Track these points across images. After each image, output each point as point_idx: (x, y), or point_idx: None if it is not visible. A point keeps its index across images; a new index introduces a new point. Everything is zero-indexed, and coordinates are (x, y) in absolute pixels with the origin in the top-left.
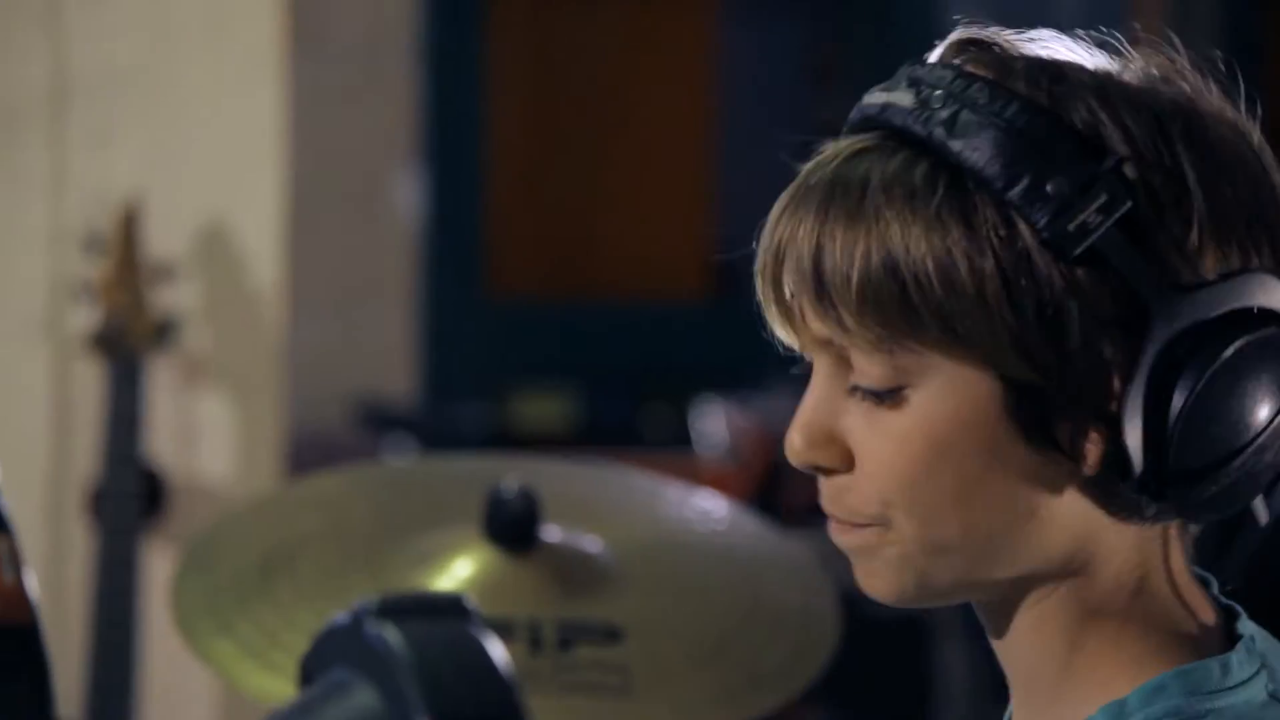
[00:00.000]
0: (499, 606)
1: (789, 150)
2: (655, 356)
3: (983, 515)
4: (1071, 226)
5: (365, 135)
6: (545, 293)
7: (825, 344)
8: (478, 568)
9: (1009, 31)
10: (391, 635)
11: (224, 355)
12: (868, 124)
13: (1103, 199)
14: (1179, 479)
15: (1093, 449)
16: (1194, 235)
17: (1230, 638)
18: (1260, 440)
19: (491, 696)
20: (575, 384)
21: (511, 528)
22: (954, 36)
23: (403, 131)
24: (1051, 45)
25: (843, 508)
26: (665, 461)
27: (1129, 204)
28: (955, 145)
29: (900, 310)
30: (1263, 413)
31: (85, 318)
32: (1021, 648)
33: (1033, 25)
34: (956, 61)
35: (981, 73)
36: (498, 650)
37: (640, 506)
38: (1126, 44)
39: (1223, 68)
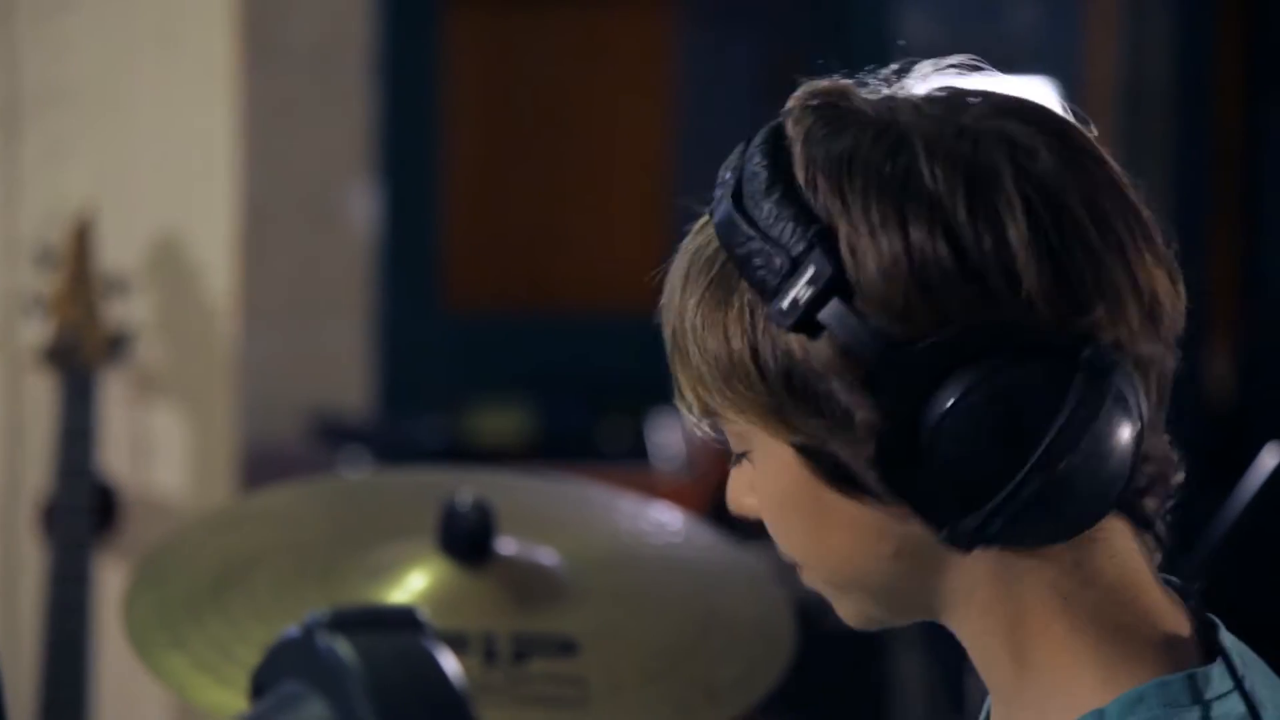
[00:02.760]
0: (454, 619)
1: None
2: (611, 369)
3: (844, 559)
4: (785, 304)
5: (320, 147)
6: (501, 305)
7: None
8: (432, 581)
9: (851, 80)
10: (343, 648)
11: (177, 369)
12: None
13: (810, 272)
14: (958, 514)
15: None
16: (901, 295)
17: (1209, 650)
18: (1039, 461)
19: (443, 709)
20: (531, 397)
21: (466, 541)
22: (796, 96)
23: (358, 143)
24: (841, 112)
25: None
26: (621, 474)
27: (831, 272)
28: (718, 228)
29: (705, 387)
30: (1027, 441)
31: (37, 331)
32: (977, 657)
33: (986, 40)
34: (778, 122)
35: (775, 138)
36: (450, 663)
37: (596, 519)
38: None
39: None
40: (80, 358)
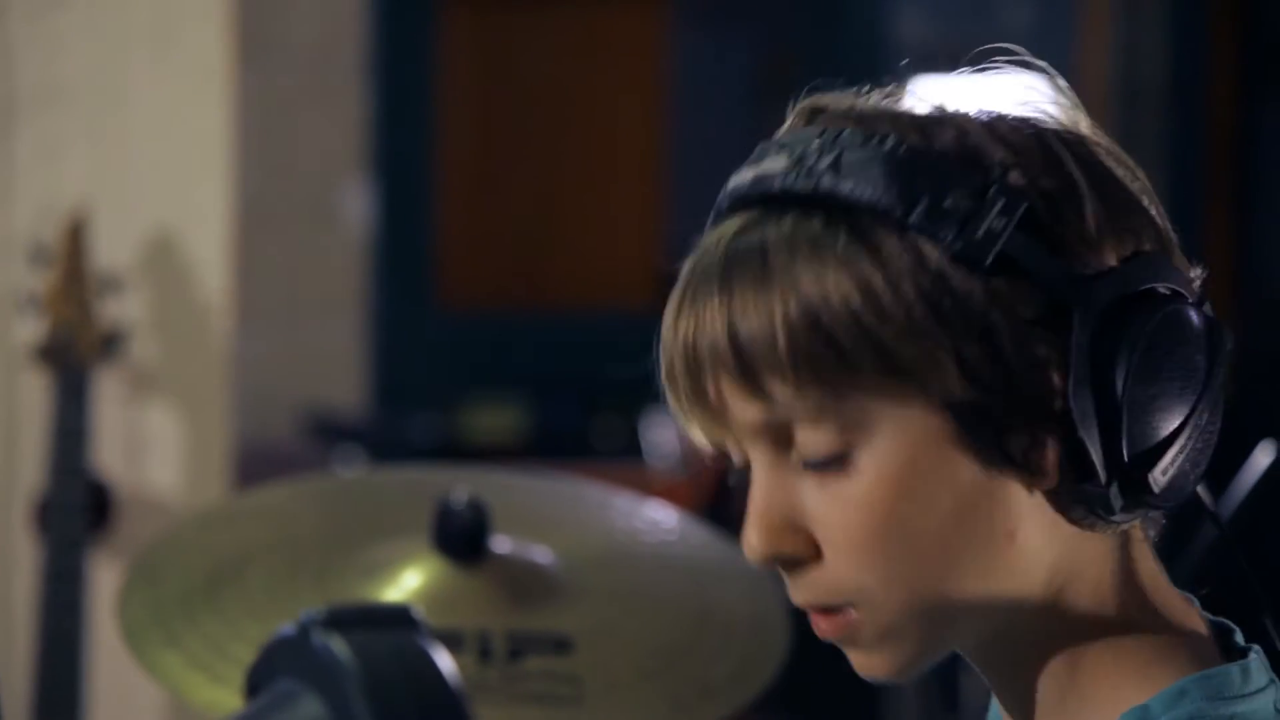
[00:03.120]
0: (448, 617)
1: (740, 159)
2: (605, 367)
3: (959, 556)
4: (978, 236)
5: (315, 145)
6: (495, 303)
7: (760, 430)
8: (427, 579)
9: (852, 92)
10: (338, 646)
11: (171, 367)
12: (741, 203)
13: (1000, 204)
14: (1136, 462)
15: (1049, 455)
16: (1090, 226)
17: (1227, 648)
18: (1199, 411)
19: (439, 707)
20: (525, 395)
21: (461, 539)
22: (801, 106)
23: (353, 141)
24: (905, 94)
25: (816, 593)
26: (615, 472)
27: (1025, 204)
28: (845, 186)
29: (834, 360)
30: (1194, 384)
31: (31, 329)
32: (1021, 678)
33: (979, 39)
34: (812, 125)
35: (845, 124)
36: (445, 661)
37: (590, 517)
38: (985, 69)
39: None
40: (74, 356)
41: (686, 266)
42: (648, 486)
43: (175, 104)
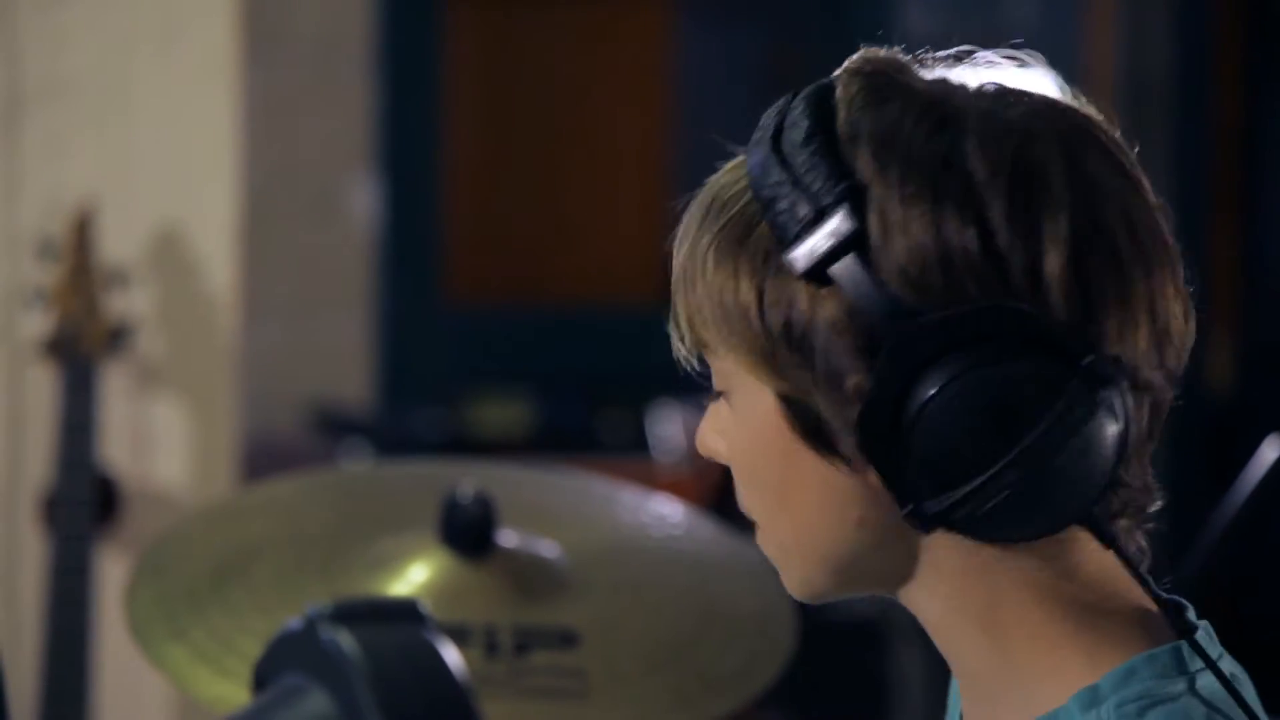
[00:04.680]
0: (455, 612)
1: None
2: (612, 362)
3: (805, 520)
4: (801, 251)
5: (321, 140)
6: (502, 298)
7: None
8: (433, 573)
9: (912, 58)
10: (345, 641)
11: (178, 361)
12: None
13: (833, 224)
14: (925, 497)
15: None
16: (920, 267)
17: (1180, 628)
18: (1012, 460)
19: (446, 701)
20: (532, 389)
21: (467, 533)
22: (853, 58)
23: (359, 136)
24: (955, 72)
25: (740, 504)
26: (622, 467)
27: (855, 229)
28: (751, 165)
29: (702, 320)
30: (1011, 435)
31: (39, 323)
32: (945, 643)
33: (986, 33)
34: (827, 81)
35: (824, 96)
36: (452, 655)
37: (597, 512)
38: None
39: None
40: (81, 350)
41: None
42: (654, 481)
43: (181, 99)
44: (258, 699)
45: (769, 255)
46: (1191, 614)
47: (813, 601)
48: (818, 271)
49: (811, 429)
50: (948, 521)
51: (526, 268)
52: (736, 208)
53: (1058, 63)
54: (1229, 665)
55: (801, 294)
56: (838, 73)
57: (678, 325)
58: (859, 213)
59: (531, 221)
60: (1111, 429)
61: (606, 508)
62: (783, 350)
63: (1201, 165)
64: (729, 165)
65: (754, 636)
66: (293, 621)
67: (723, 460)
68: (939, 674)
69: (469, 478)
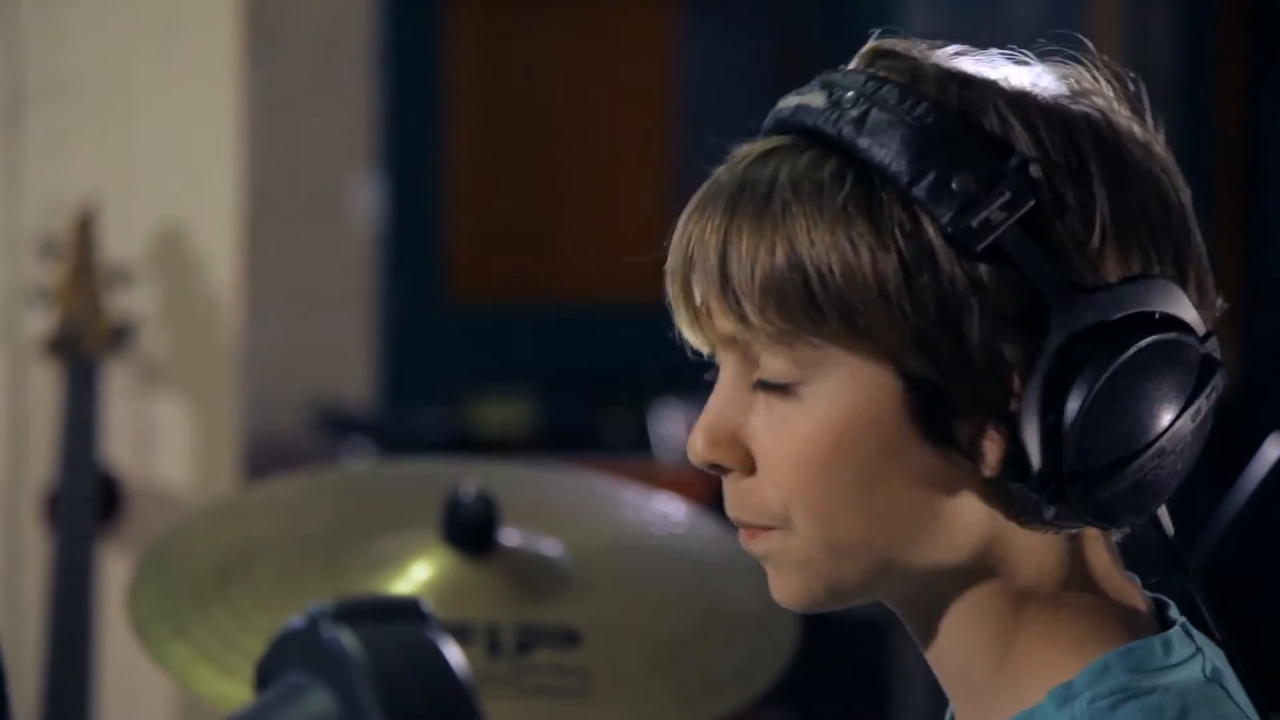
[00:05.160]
0: (457, 610)
1: None
2: (614, 360)
3: (883, 514)
4: (974, 223)
5: (323, 139)
6: (504, 297)
7: (730, 342)
8: (436, 572)
9: (925, 44)
10: (347, 639)
11: (181, 359)
12: (781, 127)
13: (1006, 196)
14: (1075, 480)
15: (992, 449)
16: (1095, 238)
17: (1164, 624)
18: (1158, 445)
19: (448, 700)
20: (534, 388)
21: (470, 531)
22: (869, 46)
23: (361, 135)
24: (969, 59)
25: (746, 510)
26: (624, 465)
27: (1032, 202)
28: (863, 142)
29: (802, 303)
30: (1161, 417)
31: (41, 322)
32: (950, 648)
33: (989, 27)
34: (870, 69)
35: (894, 77)
36: (454, 654)
37: (599, 510)
38: (1041, 58)
39: (1133, 87)
40: (84, 348)
41: (715, 171)
42: (656, 480)
43: (183, 98)
44: (260, 697)
45: (911, 231)
46: (1174, 610)
47: (807, 611)
48: (989, 246)
49: (934, 413)
50: (1083, 504)
51: (528, 266)
52: (847, 186)
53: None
54: (1211, 657)
55: (959, 269)
56: (874, 57)
57: (700, 319)
58: (1031, 185)
59: (533, 220)
60: (1210, 419)
61: (609, 506)
62: (932, 327)
63: (1203, 164)
64: (745, 163)
65: (756, 635)
66: (295, 620)
67: (727, 464)
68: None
69: (471, 476)
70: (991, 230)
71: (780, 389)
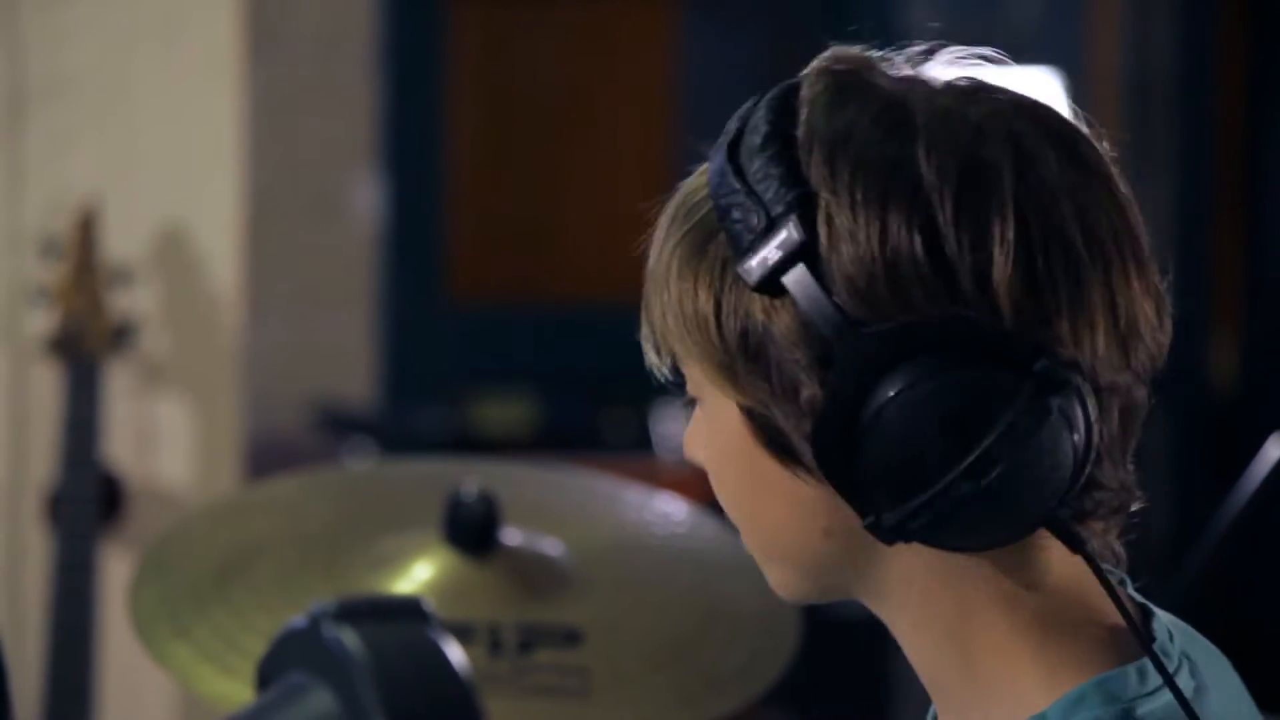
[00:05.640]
0: (459, 610)
1: None
2: (615, 360)
3: (775, 529)
4: (754, 262)
5: (324, 139)
6: (505, 296)
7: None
8: (437, 571)
9: (877, 55)
10: (349, 639)
11: (182, 359)
12: None
13: (782, 235)
14: (874, 506)
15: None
16: (867, 277)
17: (1142, 642)
18: (966, 468)
19: (449, 699)
20: (535, 387)
21: (471, 531)
22: (820, 58)
23: (362, 135)
24: (903, 72)
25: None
26: (625, 465)
27: (803, 240)
28: (710, 171)
29: (666, 330)
30: (958, 448)
31: (42, 321)
32: (917, 656)
33: (990, 31)
34: (794, 80)
35: (789, 97)
36: (455, 653)
37: (600, 510)
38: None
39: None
40: (85, 348)
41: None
42: (657, 479)
43: (185, 97)
44: (261, 697)
45: (726, 265)
46: (1157, 621)
47: (797, 602)
48: (770, 283)
49: (774, 440)
50: (906, 532)
51: (529, 266)
52: (700, 215)
53: (1061, 62)
54: (1185, 680)
55: (756, 305)
56: (805, 72)
57: (649, 334)
58: (809, 222)
59: (534, 220)
60: (1068, 434)
61: (610, 506)
62: (741, 362)
63: (1204, 164)
64: (700, 169)
65: (757, 635)
66: (296, 620)
67: (704, 466)
68: None
69: (472, 476)
70: (768, 268)
71: (695, 404)
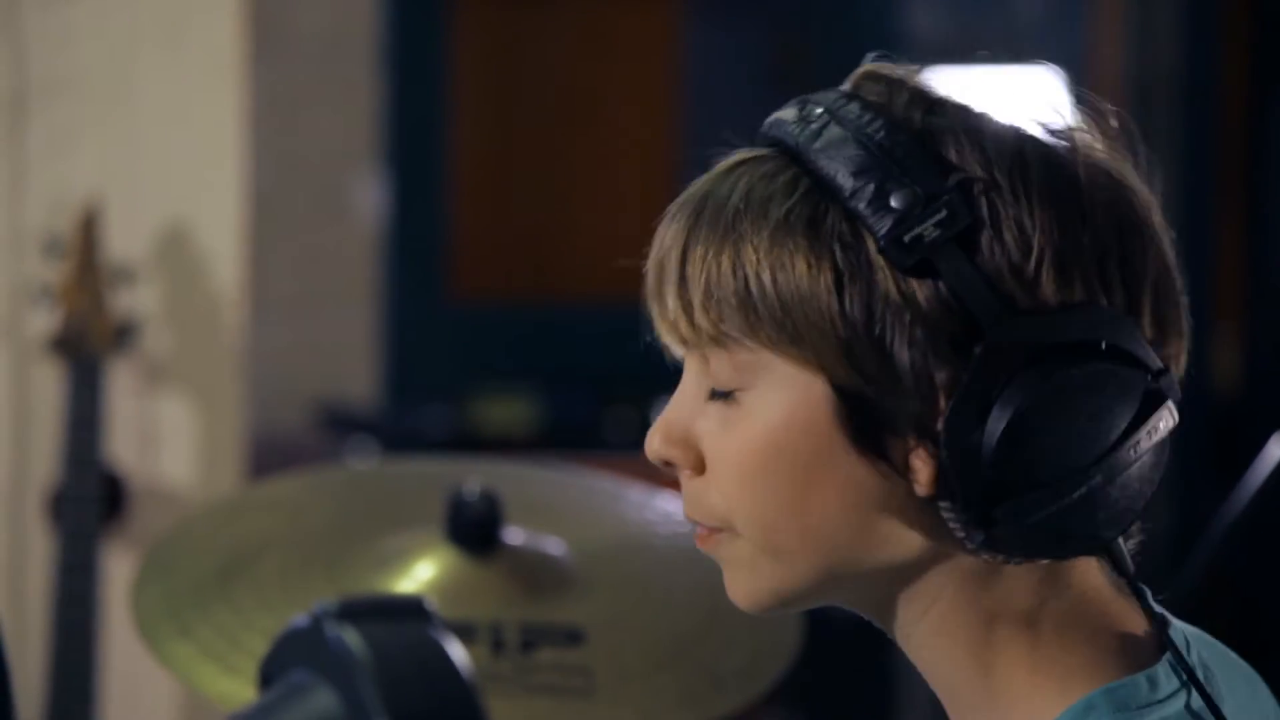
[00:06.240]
0: (461, 609)
1: None
2: (618, 359)
3: (818, 523)
4: (907, 238)
5: (327, 137)
6: (507, 295)
7: (690, 344)
8: (440, 570)
9: (917, 69)
10: (351, 638)
11: (184, 358)
12: (759, 139)
13: (942, 214)
14: (999, 505)
15: (923, 468)
16: (1032, 262)
17: (1163, 647)
18: (1091, 475)
19: (452, 698)
20: (537, 386)
21: (473, 530)
22: (862, 69)
23: (365, 134)
24: (952, 86)
25: (697, 511)
26: (627, 464)
27: (968, 221)
28: (814, 154)
29: (740, 308)
30: (1093, 448)
31: (45, 320)
32: (932, 664)
33: (993, 31)
34: (853, 89)
35: (870, 97)
36: (458, 652)
37: (603, 509)
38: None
39: (1116, 123)
40: (87, 347)
41: (693, 183)
42: (660, 478)
43: (187, 96)
44: (263, 696)
45: (854, 240)
46: (1172, 629)
47: (757, 613)
48: (922, 261)
49: (863, 424)
50: (1012, 531)
51: (532, 265)
52: (795, 195)
53: (1064, 62)
54: (1223, 680)
55: (891, 283)
56: (862, 79)
57: (676, 320)
58: (970, 204)
59: (537, 218)
60: (1165, 449)
61: (612, 505)
62: (860, 340)
63: (1207, 165)
64: (716, 173)
65: (760, 634)
66: (299, 619)
67: (678, 463)
68: None
69: (475, 475)
70: (923, 247)
71: (726, 396)
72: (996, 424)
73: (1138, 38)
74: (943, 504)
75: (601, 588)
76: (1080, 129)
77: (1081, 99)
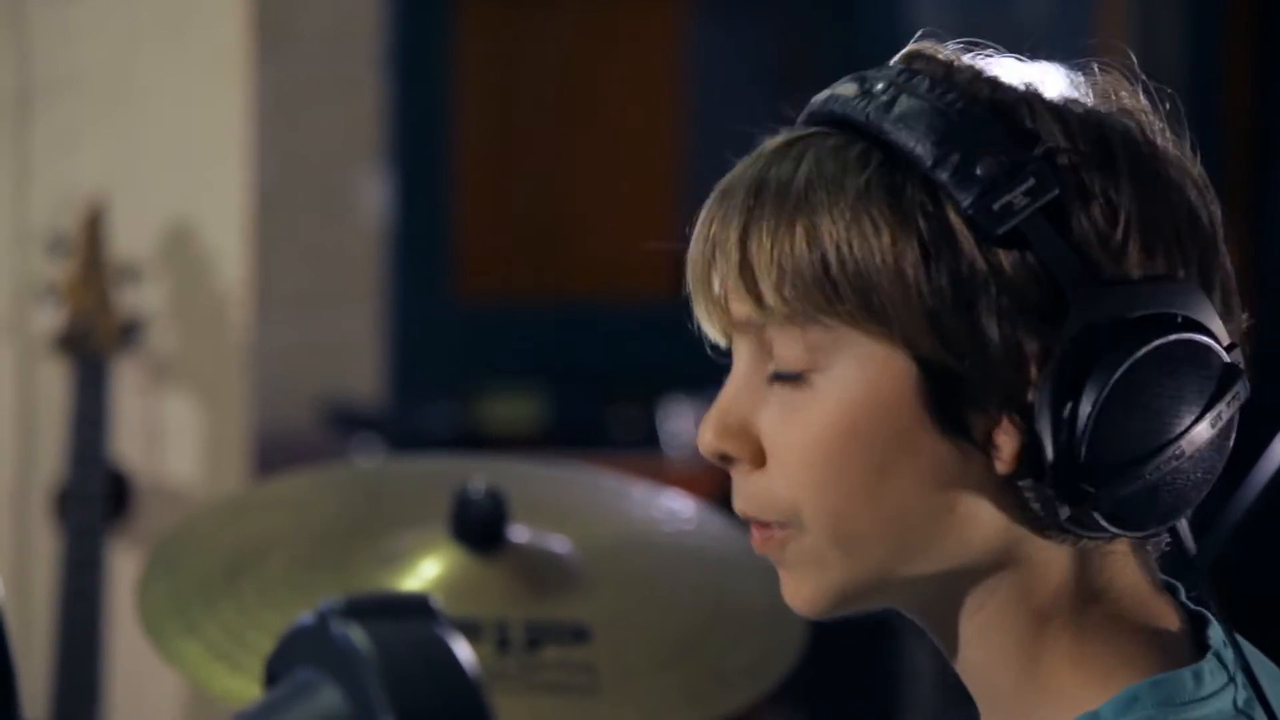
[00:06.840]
0: (466, 607)
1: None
2: (623, 357)
3: (893, 508)
4: (996, 206)
5: (332, 135)
6: (513, 293)
7: (746, 329)
8: (445, 568)
9: (960, 47)
10: (357, 635)
11: (190, 356)
12: (811, 118)
13: (1030, 183)
14: (1089, 478)
15: (1007, 443)
16: (1120, 233)
17: (1200, 645)
18: (1176, 447)
19: (458, 697)
20: (543, 384)
21: (479, 528)
22: (909, 48)
23: (370, 131)
24: (1005, 61)
25: (754, 505)
26: (633, 462)
27: (1056, 191)
28: (889, 126)
29: (818, 282)
30: (1179, 419)
31: (50, 318)
32: (975, 662)
33: (997, 29)
34: (906, 66)
35: (924, 70)
36: (464, 650)
37: (608, 507)
38: (1081, 69)
39: (1170, 106)
40: (93, 345)
41: (741, 162)
42: (665, 476)
43: (192, 94)
44: (269, 693)
45: (932, 213)
46: (1213, 628)
47: (819, 617)
48: (1010, 231)
49: (948, 401)
50: (1102, 506)
51: (537, 263)
52: (870, 169)
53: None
54: (1237, 692)
55: (978, 254)
56: (912, 58)
57: (717, 307)
58: (1057, 173)
59: (542, 217)
60: (1235, 418)
61: (617, 503)
62: (947, 311)
63: (1211, 161)
64: (767, 154)
65: (765, 632)
66: (304, 616)
67: (736, 456)
68: (951, 671)
69: (480, 473)
70: (1013, 215)
71: (793, 379)
72: (1090, 393)
73: (1142, 35)
74: (1023, 481)
75: (606, 586)
76: (1142, 108)
77: (1131, 76)
